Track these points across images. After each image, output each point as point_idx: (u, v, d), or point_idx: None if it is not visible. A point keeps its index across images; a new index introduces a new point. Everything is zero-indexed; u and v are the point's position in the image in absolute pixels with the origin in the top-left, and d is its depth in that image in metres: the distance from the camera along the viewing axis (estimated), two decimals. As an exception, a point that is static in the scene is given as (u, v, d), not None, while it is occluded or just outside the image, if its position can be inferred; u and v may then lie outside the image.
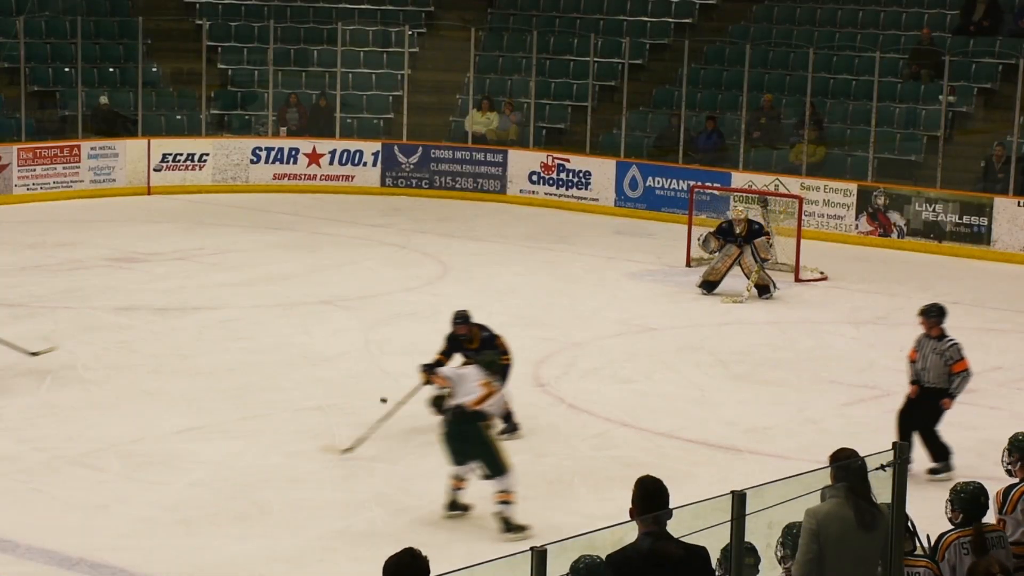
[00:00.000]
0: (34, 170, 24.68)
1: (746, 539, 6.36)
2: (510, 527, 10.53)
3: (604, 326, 17.06)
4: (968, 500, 7.73)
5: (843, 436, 12.70)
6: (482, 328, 13.08)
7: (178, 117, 27.14)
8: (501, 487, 10.66)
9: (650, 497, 6.47)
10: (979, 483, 7.85)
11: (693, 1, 28.21)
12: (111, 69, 27.17)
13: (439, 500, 11.14)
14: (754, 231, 19.13)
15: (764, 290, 18.95)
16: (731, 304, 18.42)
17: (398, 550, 5.65)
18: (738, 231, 19.04)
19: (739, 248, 18.99)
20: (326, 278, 19.08)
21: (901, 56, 25.42)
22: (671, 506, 6.47)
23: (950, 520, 7.76)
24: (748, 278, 18.91)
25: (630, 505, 6.52)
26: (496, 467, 10.70)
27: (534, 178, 26.07)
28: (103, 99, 26.18)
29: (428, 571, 5.72)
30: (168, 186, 25.81)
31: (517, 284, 19.29)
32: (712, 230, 19.45)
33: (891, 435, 11.75)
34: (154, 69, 27.39)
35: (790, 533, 6.97)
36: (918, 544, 7.64)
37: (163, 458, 12.04)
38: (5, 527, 10.49)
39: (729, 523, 6.19)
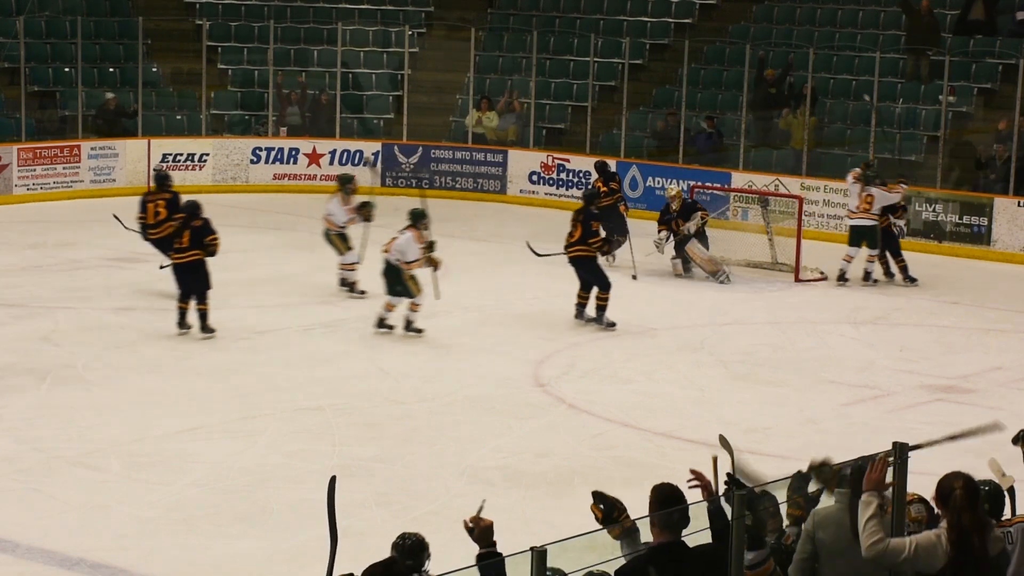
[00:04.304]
0: (34, 170, 24.68)
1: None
2: None
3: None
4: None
5: (843, 436, 12.72)
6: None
7: (178, 117, 27.15)
8: None
9: (664, 503, 6.42)
10: None
11: (693, 1, 28.20)
12: (111, 69, 27.17)
13: (439, 500, 11.15)
14: (687, 206, 19.92)
15: (715, 275, 19.69)
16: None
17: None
18: (674, 207, 19.88)
19: (676, 223, 19.76)
20: (326, 278, 19.06)
21: (901, 56, 25.42)
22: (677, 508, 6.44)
23: None
24: (703, 267, 19.79)
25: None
26: None
27: (534, 178, 26.08)
28: (109, 94, 26.16)
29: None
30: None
31: (517, 284, 19.29)
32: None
33: (891, 435, 11.74)
34: (154, 69, 27.40)
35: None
36: None
37: (163, 458, 12.04)
38: (5, 527, 10.49)
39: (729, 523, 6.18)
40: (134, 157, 25.69)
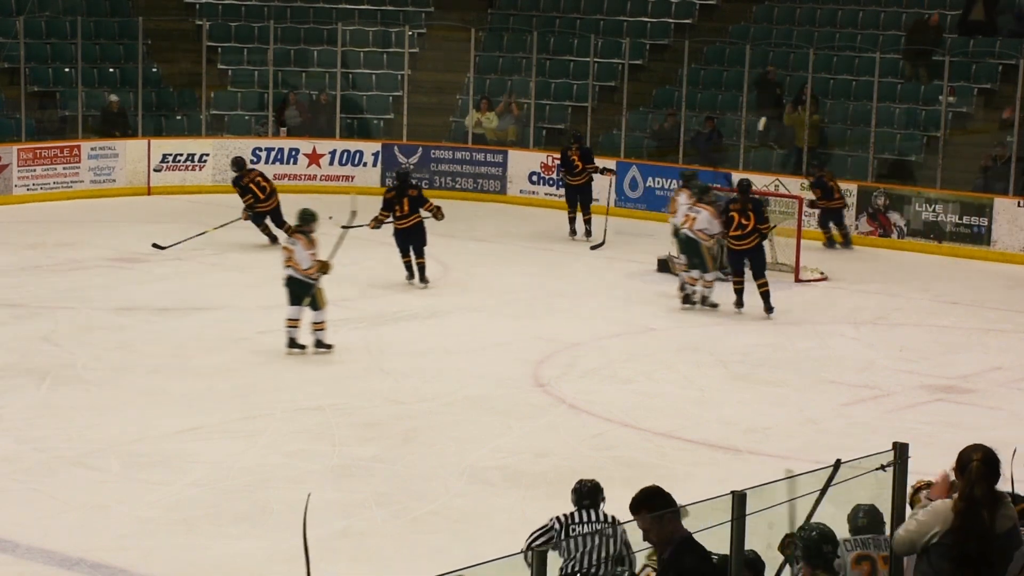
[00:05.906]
0: (34, 170, 24.67)
1: (746, 540, 6.34)
2: None
3: (604, 326, 17.07)
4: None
5: (843, 436, 12.72)
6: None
7: (178, 117, 27.15)
8: None
9: (657, 500, 6.41)
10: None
11: (693, 1, 28.19)
12: (111, 69, 27.16)
13: (439, 500, 11.15)
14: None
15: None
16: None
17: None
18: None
19: None
20: (326, 278, 19.04)
21: (900, 56, 25.41)
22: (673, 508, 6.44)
23: None
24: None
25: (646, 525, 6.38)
26: None
27: (534, 178, 26.06)
28: (113, 97, 26.14)
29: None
30: (168, 186, 25.80)
31: (517, 284, 19.29)
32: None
33: (891, 435, 11.74)
34: (154, 69, 27.38)
35: (808, 539, 6.88)
36: None
37: (163, 458, 12.04)
38: (5, 527, 10.50)
39: (729, 523, 6.18)
40: (134, 157, 25.68)
